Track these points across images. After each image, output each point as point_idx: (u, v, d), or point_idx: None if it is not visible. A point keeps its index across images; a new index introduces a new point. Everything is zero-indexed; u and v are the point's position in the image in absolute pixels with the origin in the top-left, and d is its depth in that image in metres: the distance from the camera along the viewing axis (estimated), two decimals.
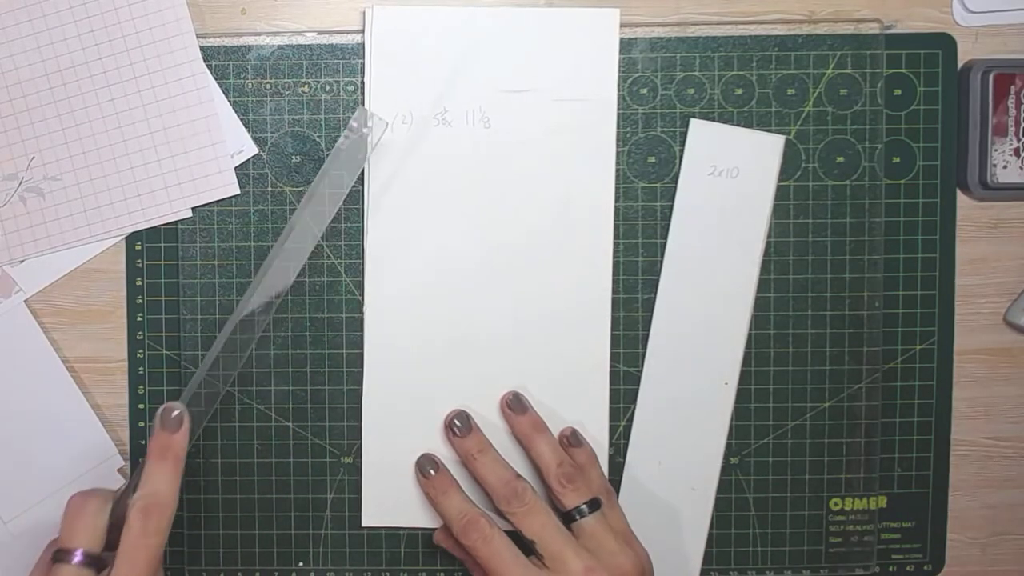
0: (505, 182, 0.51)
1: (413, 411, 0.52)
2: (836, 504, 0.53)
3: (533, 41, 0.51)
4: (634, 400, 0.52)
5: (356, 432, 0.53)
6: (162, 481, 0.44)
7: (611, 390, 0.52)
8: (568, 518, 0.48)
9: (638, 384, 0.52)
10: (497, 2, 0.52)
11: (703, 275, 0.52)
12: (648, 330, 0.52)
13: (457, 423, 0.51)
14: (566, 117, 0.51)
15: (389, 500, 0.52)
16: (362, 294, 0.52)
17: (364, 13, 0.51)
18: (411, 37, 0.51)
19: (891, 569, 0.53)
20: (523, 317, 0.52)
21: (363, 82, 0.52)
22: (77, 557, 0.42)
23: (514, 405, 0.51)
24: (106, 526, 0.43)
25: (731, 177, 0.51)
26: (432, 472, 0.51)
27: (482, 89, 0.51)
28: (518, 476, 0.48)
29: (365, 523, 0.53)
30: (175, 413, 0.45)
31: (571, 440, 0.51)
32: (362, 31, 0.52)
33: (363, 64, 0.52)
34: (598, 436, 0.52)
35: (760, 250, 0.52)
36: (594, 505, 0.48)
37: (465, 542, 0.47)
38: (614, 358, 0.52)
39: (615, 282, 0.52)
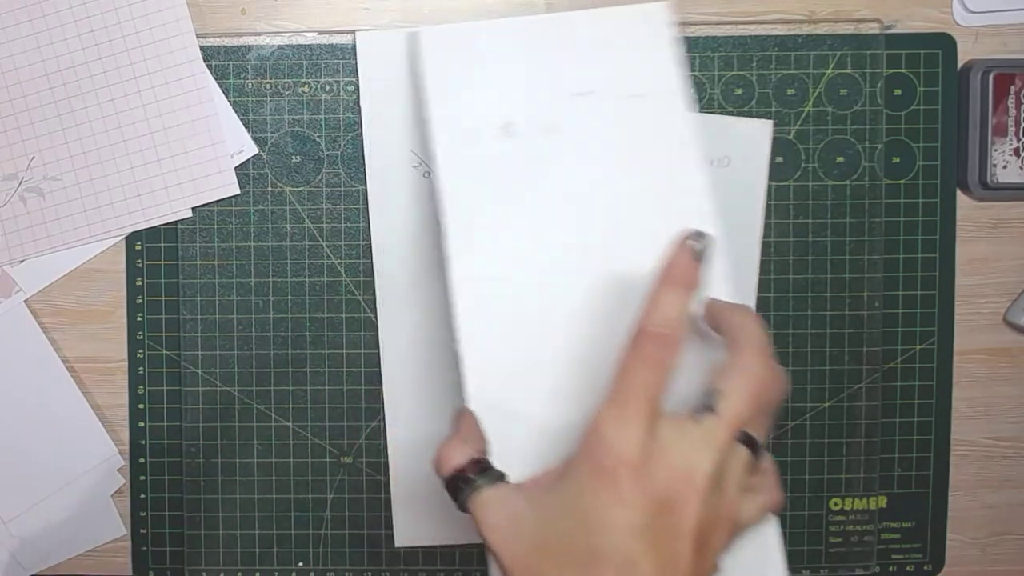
0: (577, 192, 0.47)
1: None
2: (836, 504, 0.53)
3: (586, 43, 0.48)
4: None
5: (356, 432, 0.53)
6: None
7: None
8: (704, 406, 0.37)
9: None
10: (507, 12, 0.52)
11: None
12: None
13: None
14: (632, 114, 0.47)
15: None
16: (362, 294, 0.52)
17: (416, 37, 0.47)
18: (464, 55, 0.48)
19: (891, 569, 0.53)
20: (603, 335, 0.44)
21: (349, 85, 0.52)
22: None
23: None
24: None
25: (723, 166, 0.51)
26: (697, 259, 0.39)
27: (544, 97, 0.48)
28: (685, 327, 0.38)
29: (398, 544, 0.52)
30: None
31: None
32: (348, 32, 0.52)
33: (356, 65, 0.52)
34: None
35: (759, 234, 0.52)
36: (749, 440, 0.37)
37: (636, 342, 0.37)
38: None
39: None
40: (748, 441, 0.37)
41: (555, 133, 0.48)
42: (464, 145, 0.47)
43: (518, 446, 0.43)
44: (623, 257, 0.45)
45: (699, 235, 0.39)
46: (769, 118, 0.52)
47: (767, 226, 0.52)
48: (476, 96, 0.48)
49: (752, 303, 0.52)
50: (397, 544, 0.53)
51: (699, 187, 0.46)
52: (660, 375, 0.36)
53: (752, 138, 0.51)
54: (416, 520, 0.52)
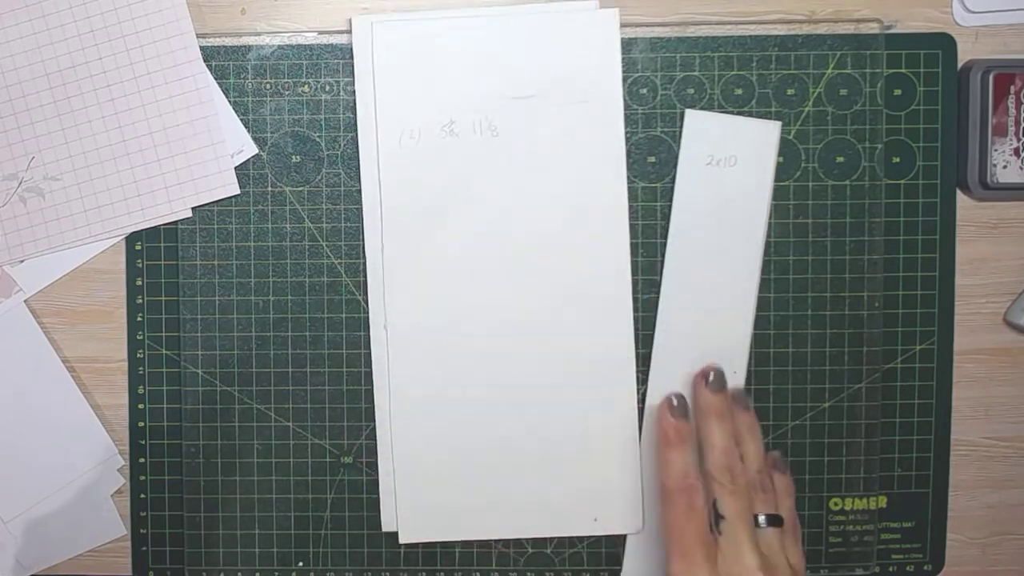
0: (516, 189, 0.51)
1: (450, 419, 0.52)
2: (836, 504, 0.53)
3: (534, 45, 0.51)
4: (643, 397, 0.52)
5: (356, 432, 0.53)
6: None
7: None
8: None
9: (647, 382, 0.52)
10: (489, 1, 0.52)
11: (707, 265, 0.52)
12: (651, 330, 0.52)
13: (716, 378, 0.49)
14: (572, 120, 0.51)
15: (430, 513, 0.52)
16: (361, 294, 0.52)
17: (351, 21, 0.51)
18: (412, 49, 0.51)
19: (891, 569, 0.53)
20: (543, 324, 0.51)
21: (349, 85, 0.52)
22: None
23: (740, 399, 0.50)
24: None
25: (729, 166, 0.51)
26: (678, 416, 0.49)
27: (487, 98, 0.51)
28: (741, 457, 0.48)
29: (403, 540, 0.52)
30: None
31: (776, 464, 0.50)
32: (348, 31, 0.52)
33: (349, 66, 0.52)
34: (631, 433, 0.52)
35: (763, 236, 0.52)
36: (774, 520, 0.47)
37: (668, 500, 0.47)
38: None
39: None
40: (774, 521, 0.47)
41: (496, 135, 0.51)
42: (405, 140, 0.51)
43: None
44: (545, 256, 0.51)
45: (678, 397, 0.49)
46: (769, 118, 0.52)
47: (767, 226, 0.52)
48: (419, 93, 0.51)
49: (752, 303, 0.52)
50: (402, 540, 0.52)
51: (624, 202, 0.51)
52: (699, 517, 0.46)
53: (759, 139, 0.51)
54: (424, 514, 0.52)
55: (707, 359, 0.51)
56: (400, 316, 0.52)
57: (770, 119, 0.52)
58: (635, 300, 0.52)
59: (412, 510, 0.52)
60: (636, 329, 0.52)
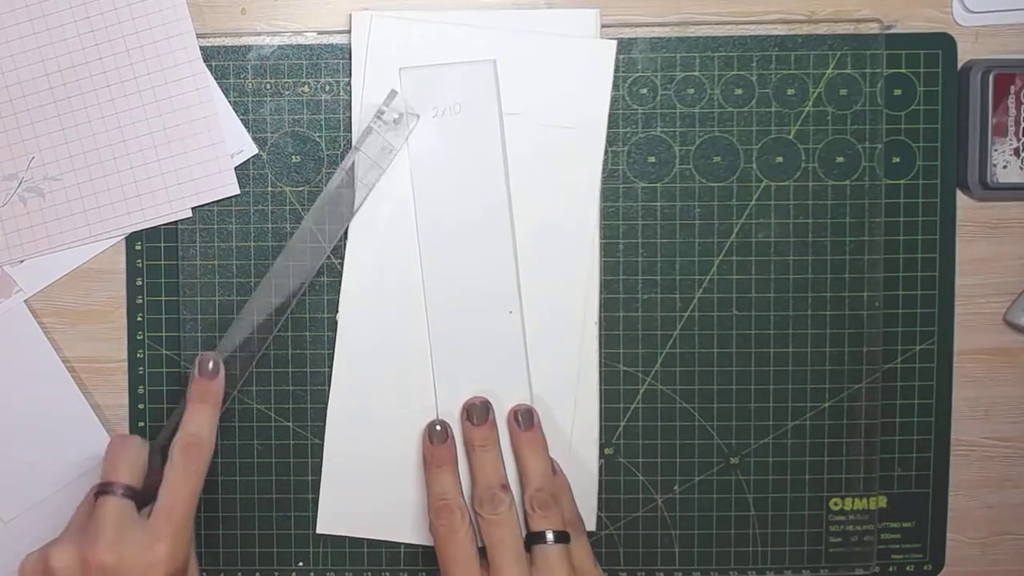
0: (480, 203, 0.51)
1: (378, 417, 0.52)
2: (836, 504, 0.53)
3: (529, 66, 0.51)
4: (632, 400, 0.52)
5: None
6: (203, 423, 0.48)
7: (611, 390, 0.52)
8: (534, 538, 0.48)
9: (637, 383, 0.52)
10: (496, 4, 0.52)
11: (457, 213, 0.51)
12: (650, 330, 0.52)
13: (475, 412, 0.50)
14: (553, 144, 0.51)
15: (347, 507, 0.52)
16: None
17: (351, 17, 0.51)
18: (408, 48, 0.51)
19: (891, 569, 0.53)
20: (498, 332, 0.51)
21: (349, 85, 0.52)
22: (120, 489, 0.46)
23: (523, 418, 0.50)
24: (145, 465, 0.47)
25: (455, 113, 0.51)
26: (437, 441, 0.50)
27: (473, 106, 0.51)
28: (504, 486, 0.48)
29: (320, 530, 0.52)
30: (211, 363, 0.49)
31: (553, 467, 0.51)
32: (348, 31, 0.52)
33: (349, 66, 0.52)
34: (585, 453, 0.52)
35: (503, 170, 0.51)
36: (561, 537, 0.47)
37: (433, 521, 0.48)
38: (614, 358, 0.52)
39: (616, 282, 0.52)
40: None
41: (475, 143, 0.51)
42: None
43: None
44: (501, 272, 0.51)
45: (440, 424, 0.50)
46: (769, 118, 0.52)
47: (767, 226, 0.52)
48: (408, 89, 0.51)
49: (509, 229, 0.51)
50: (319, 531, 0.53)
51: (592, 226, 0.51)
52: (461, 541, 0.47)
53: (479, 82, 0.51)
54: (342, 507, 0.53)
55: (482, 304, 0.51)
56: (350, 313, 0.52)
57: (772, 131, 0.52)
58: (635, 300, 0.52)
59: (332, 503, 0.52)
60: (636, 329, 0.52)
